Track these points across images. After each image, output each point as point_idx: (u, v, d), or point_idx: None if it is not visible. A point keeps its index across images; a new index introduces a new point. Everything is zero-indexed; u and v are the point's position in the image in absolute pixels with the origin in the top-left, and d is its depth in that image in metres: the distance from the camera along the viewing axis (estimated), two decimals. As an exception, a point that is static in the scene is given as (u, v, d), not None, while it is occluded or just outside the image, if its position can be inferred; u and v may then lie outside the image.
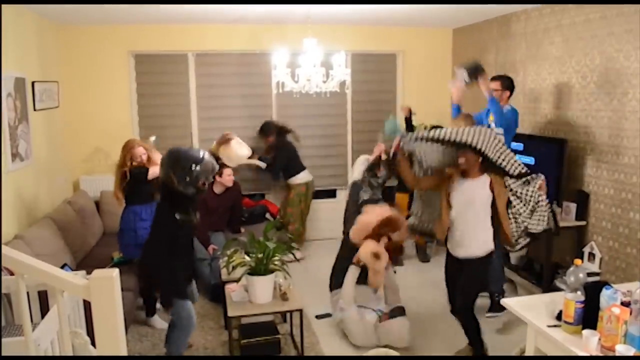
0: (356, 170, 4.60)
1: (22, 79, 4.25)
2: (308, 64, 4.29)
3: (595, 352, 2.12)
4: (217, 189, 4.94)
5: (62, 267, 3.63)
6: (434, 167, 3.49)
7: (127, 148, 4.01)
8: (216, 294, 4.39)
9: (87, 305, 2.67)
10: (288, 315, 4.01)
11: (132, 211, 4.04)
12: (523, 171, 3.24)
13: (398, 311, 3.81)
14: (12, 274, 2.83)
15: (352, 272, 3.87)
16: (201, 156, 3.12)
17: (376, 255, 3.68)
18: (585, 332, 2.16)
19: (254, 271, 3.44)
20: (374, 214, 3.84)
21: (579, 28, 4.28)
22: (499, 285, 4.16)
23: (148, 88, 5.81)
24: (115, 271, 1.76)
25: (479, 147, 3.13)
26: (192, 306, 3.35)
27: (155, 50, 5.72)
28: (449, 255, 3.49)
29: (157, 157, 3.93)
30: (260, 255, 3.44)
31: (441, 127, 3.44)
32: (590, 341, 2.12)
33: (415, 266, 5.50)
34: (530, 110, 4.89)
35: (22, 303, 1.80)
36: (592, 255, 4.19)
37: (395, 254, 3.88)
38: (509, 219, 3.26)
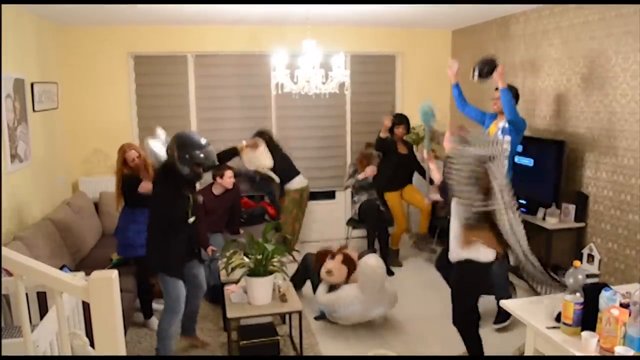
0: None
1: (21, 80, 4.24)
2: (307, 65, 4.29)
3: (594, 354, 2.12)
4: (217, 190, 4.93)
5: (61, 268, 3.62)
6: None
7: (120, 152, 4.02)
8: (215, 295, 4.39)
9: (86, 307, 2.67)
10: (287, 316, 4.01)
11: (128, 212, 4.06)
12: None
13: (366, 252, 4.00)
14: (11, 275, 2.83)
15: (322, 287, 4.09)
16: (204, 143, 3.28)
17: (329, 272, 3.99)
18: (584, 333, 2.16)
19: (253, 272, 3.44)
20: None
21: (578, 30, 4.29)
22: (503, 294, 4.02)
23: (147, 89, 5.81)
24: (115, 272, 1.76)
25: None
26: (184, 290, 3.36)
27: (155, 52, 5.73)
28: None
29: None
30: (259, 257, 3.44)
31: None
32: (589, 343, 2.12)
33: (415, 267, 5.49)
34: (529, 112, 4.89)
35: (21, 304, 1.80)
36: (591, 257, 4.20)
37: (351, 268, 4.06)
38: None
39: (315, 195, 6.07)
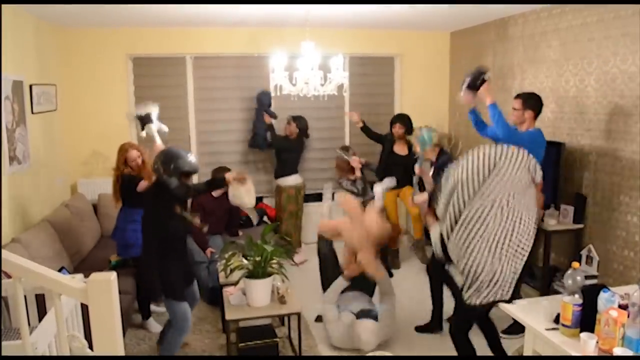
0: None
1: (20, 81, 4.24)
2: (306, 67, 4.29)
3: (593, 355, 2.12)
4: (216, 193, 4.93)
5: (59, 270, 3.62)
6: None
7: (121, 152, 4.03)
8: (214, 297, 4.39)
9: (85, 309, 2.67)
10: (286, 318, 4.00)
11: (125, 211, 4.07)
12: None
13: (366, 313, 3.79)
14: (9, 277, 2.82)
15: (339, 282, 3.99)
16: (186, 153, 3.35)
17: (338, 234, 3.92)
18: (583, 335, 2.16)
19: (251, 274, 3.44)
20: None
21: (576, 31, 4.30)
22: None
23: (146, 91, 5.80)
24: (113, 274, 1.76)
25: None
26: (189, 308, 3.35)
27: (154, 53, 5.73)
28: None
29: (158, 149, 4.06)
30: (258, 259, 3.44)
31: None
32: (588, 344, 2.12)
33: (415, 269, 5.49)
34: (528, 114, 4.89)
35: (20, 306, 1.80)
36: (589, 258, 4.20)
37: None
38: None
39: (314, 197, 6.06)
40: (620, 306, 2.14)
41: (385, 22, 5.52)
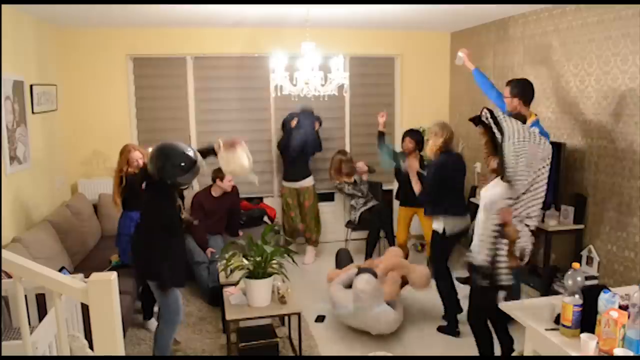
0: None
1: (20, 82, 4.24)
2: (306, 67, 4.29)
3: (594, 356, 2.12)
4: (216, 193, 4.94)
5: (59, 270, 3.62)
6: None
7: (124, 153, 4.02)
8: (214, 297, 4.39)
9: (85, 308, 2.67)
10: (286, 318, 4.01)
11: (129, 217, 4.03)
12: None
13: (367, 270, 3.96)
14: (10, 277, 2.83)
15: (354, 270, 4.14)
16: (179, 145, 3.18)
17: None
18: (584, 335, 2.16)
19: (252, 274, 3.44)
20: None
21: (577, 32, 4.29)
22: (515, 296, 3.82)
23: (146, 91, 5.81)
24: (114, 274, 1.76)
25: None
26: (180, 298, 3.32)
27: (154, 54, 5.73)
28: None
29: None
30: (258, 259, 3.44)
31: None
32: (588, 345, 2.12)
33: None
34: (528, 114, 4.89)
35: (20, 306, 1.80)
36: (590, 259, 4.20)
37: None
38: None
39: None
40: (620, 307, 2.14)
41: (385, 22, 5.52)
